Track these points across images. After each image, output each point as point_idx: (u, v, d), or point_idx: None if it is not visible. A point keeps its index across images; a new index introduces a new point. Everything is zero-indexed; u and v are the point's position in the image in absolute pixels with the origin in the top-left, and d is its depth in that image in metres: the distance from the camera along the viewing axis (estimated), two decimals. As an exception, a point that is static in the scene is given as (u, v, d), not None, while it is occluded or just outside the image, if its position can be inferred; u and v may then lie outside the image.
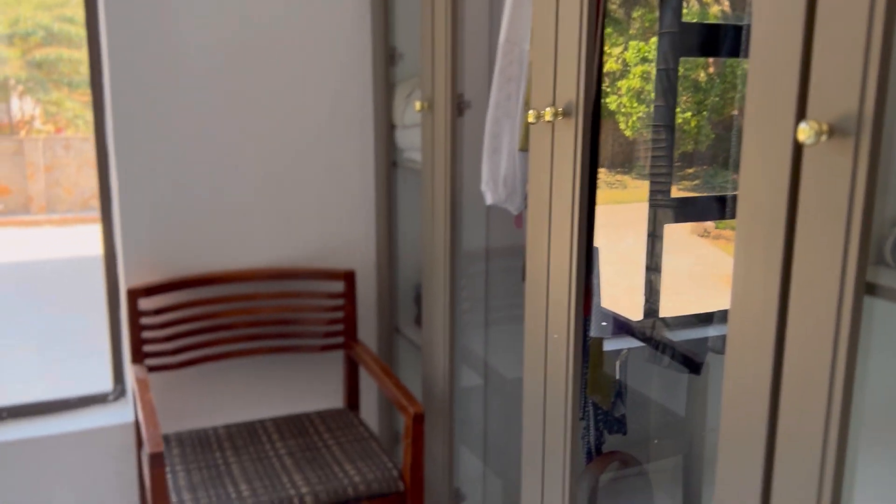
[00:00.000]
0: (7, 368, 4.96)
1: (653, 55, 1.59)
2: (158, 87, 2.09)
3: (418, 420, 1.86)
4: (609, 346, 1.76)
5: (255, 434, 2.10)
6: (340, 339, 2.31)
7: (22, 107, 14.85)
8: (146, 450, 1.68)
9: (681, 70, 1.54)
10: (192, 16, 2.09)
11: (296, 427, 2.15)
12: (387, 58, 2.29)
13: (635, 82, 1.62)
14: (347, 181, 2.35)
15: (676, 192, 1.61)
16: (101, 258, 2.22)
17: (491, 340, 2.14)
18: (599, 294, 1.62)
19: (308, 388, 2.39)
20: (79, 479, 2.18)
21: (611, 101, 1.55)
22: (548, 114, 1.42)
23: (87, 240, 11.55)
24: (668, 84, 1.54)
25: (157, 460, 1.64)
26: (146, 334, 2.11)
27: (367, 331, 2.43)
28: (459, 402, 2.10)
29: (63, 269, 9.89)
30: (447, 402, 2.05)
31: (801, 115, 0.85)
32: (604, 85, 1.51)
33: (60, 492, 2.17)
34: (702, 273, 1.63)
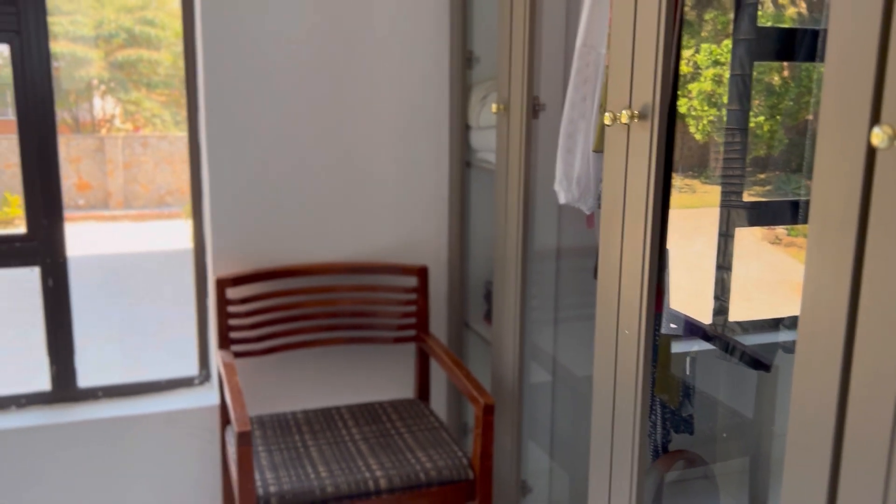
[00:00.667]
0: (89, 356, 5.22)
1: (725, 58, 1.61)
2: (248, 88, 2.21)
3: (488, 411, 1.93)
4: (677, 346, 1.80)
5: (331, 419, 2.20)
6: (412, 332, 2.39)
7: (104, 106, 15.53)
8: (234, 429, 1.80)
9: (754, 74, 1.56)
10: (281, 21, 2.20)
11: (369, 414, 2.24)
12: (464, 61, 2.36)
13: (706, 85, 1.64)
14: (422, 180, 2.43)
15: (748, 197, 1.63)
16: (191, 249, 2.35)
17: (560, 338, 2.19)
18: (669, 294, 1.65)
19: (381, 378, 2.48)
20: (166, 457, 2.32)
21: (681, 104, 1.58)
22: (624, 116, 1.47)
23: (161, 235, 11.99)
24: (742, 88, 1.56)
25: (244, 438, 1.75)
26: (232, 322, 2.23)
27: (438, 325, 2.51)
28: (528, 398, 2.16)
29: (139, 262, 10.28)
30: (516, 396, 2.11)
31: (875, 119, 0.88)
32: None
33: (149, 467, 2.31)
34: (772, 280, 1.65)
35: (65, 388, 2.30)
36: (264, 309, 2.27)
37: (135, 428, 2.28)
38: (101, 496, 2.29)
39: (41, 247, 2.22)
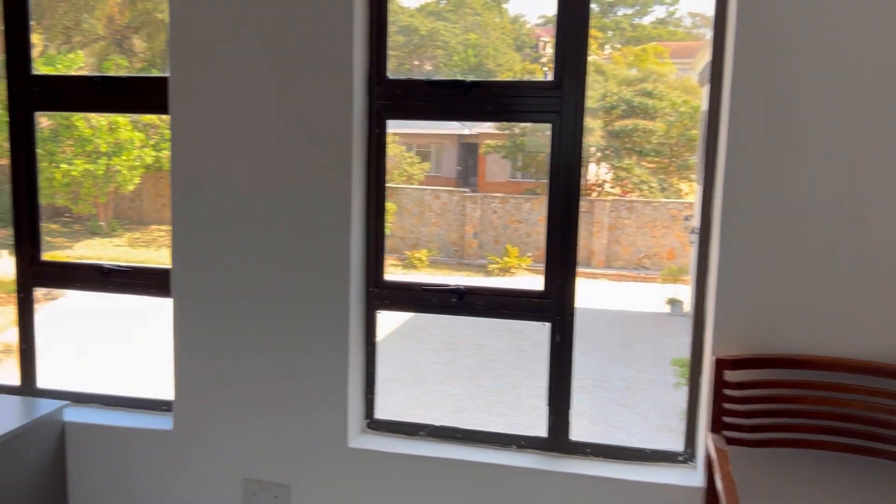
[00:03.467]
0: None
1: None
2: (771, 167, 2.10)
3: None
4: None
5: (828, 537, 1.95)
6: (940, 456, 2.00)
7: (598, 172, 16.83)
8: (724, 522, 1.69)
9: None
10: (823, 87, 2.06)
11: (877, 543, 1.93)
12: None
13: None
14: (974, 276, 2.04)
15: None
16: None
17: None
18: None
19: (890, 499, 2.13)
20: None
21: None
22: None
23: (635, 296, 12.42)
24: None
25: (736, 537, 1.64)
26: (726, 405, 2.13)
27: (975, 453, 2.06)
28: None
29: (613, 319, 10.78)
30: None
31: None
32: None
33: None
34: None
35: (558, 437, 2.45)
36: (763, 398, 2.12)
37: (616, 492, 2.32)
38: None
39: (554, 304, 2.41)
